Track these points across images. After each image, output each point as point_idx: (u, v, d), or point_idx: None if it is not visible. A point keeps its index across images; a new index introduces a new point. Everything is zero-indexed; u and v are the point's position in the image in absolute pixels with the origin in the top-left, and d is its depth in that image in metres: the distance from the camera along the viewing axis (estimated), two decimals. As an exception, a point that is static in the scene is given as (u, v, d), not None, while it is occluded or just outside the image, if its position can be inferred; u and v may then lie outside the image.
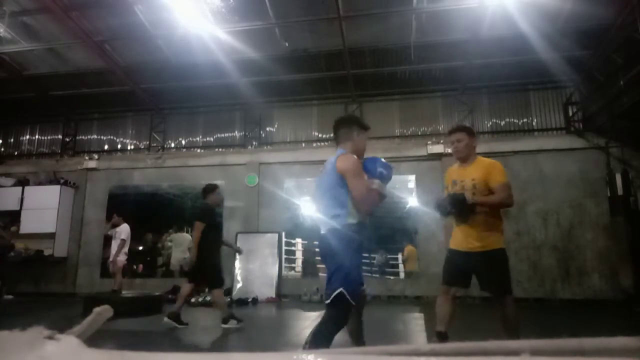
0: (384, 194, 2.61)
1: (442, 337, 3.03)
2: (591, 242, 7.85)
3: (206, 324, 5.98)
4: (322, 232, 2.58)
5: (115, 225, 7.46)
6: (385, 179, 2.62)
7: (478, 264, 2.95)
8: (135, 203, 10.16)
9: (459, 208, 2.94)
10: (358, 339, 2.72)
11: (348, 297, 2.37)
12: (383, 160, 2.73)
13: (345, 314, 2.43)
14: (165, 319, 5.06)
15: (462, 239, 3.04)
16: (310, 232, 11.07)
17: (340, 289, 2.37)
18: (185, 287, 5.24)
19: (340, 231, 2.48)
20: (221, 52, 8.18)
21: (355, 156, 2.59)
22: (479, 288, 3.08)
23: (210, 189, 5.35)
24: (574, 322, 5.78)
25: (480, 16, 7.10)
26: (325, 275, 2.63)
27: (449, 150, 8.83)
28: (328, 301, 2.42)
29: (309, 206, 11.95)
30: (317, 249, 2.40)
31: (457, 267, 3.07)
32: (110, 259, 7.39)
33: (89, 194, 10.05)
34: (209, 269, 5.09)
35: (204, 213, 5.23)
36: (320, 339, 2.35)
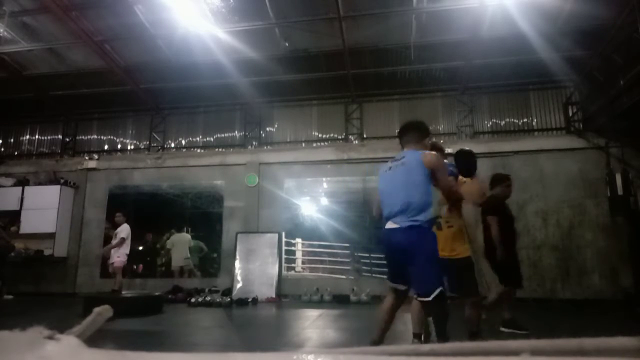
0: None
1: (420, 338, 3.31)
2: (591, 242, 7.86)
3: (206, 324, 5.98)
4: (401, 225, 2.63)
5: (117, 225, 7.44)
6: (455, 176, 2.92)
7: (453, 270, 3.27)
8: (135, 203, 10.16)
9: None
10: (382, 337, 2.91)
11: (445, 293, 2.60)
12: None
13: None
14: (502, 328, 4.59)
15: (439, 245, 3.30)
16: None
17: (441, 288, 2.54)
18: (499, 289, 4.67)
19: (427, 226, 2.61)
20: (221, 52, 8.18)
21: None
22: (449, 290, 3.44)
23: (498, 179, 4.84)
24: (574, 322, 5.78)
25: (480, 16, 7.10)
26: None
27: (449, 150, 8.86)
28: (429, 298, 2.52)
29: (308, 206, 11.96)
30: (388, 242, 2.61)
31: None
32: (110, 260, 7.35)
33: (89, 194, 10.05)
34: (508, 265, 4.58)
35: (493, 206, 4.65)
36: (443, 336, 2.54)
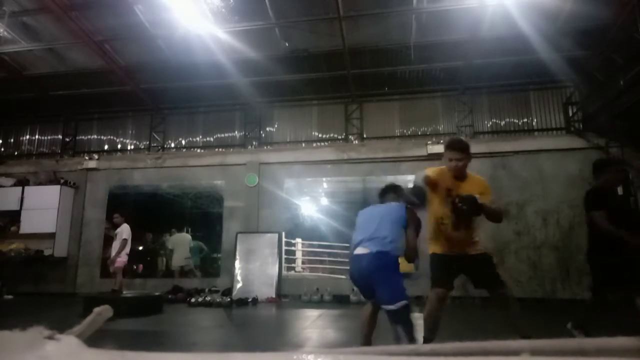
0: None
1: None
2: (591, 242, 7.84)
3: (206, 324, 5.98)
4: (372, 250, 2.92)
5: (116, 225, 7.43)
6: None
7: (470, 266, 3.21)
8: (135, 203, 10.17)
9: (471, 207, 3.11)
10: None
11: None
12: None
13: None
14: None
15: (453, 244, 3.24)
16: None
17: (405, 301, 2.82)
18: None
19: (391, 257, 2.92)
20: (221, 52, 8.18)
21: None
22: (474, 287, 3.36)
23: (600, 166, 4.10)
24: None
25: (480, 16, 7.10)
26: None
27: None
28: (393, 306, 2.79)
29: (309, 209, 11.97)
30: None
31: (450, 271, 3.27)
32: (111, 259, 7.34)
33: (89, 194, 10.05)
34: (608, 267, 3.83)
35: (596, 199, 3.85)
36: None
